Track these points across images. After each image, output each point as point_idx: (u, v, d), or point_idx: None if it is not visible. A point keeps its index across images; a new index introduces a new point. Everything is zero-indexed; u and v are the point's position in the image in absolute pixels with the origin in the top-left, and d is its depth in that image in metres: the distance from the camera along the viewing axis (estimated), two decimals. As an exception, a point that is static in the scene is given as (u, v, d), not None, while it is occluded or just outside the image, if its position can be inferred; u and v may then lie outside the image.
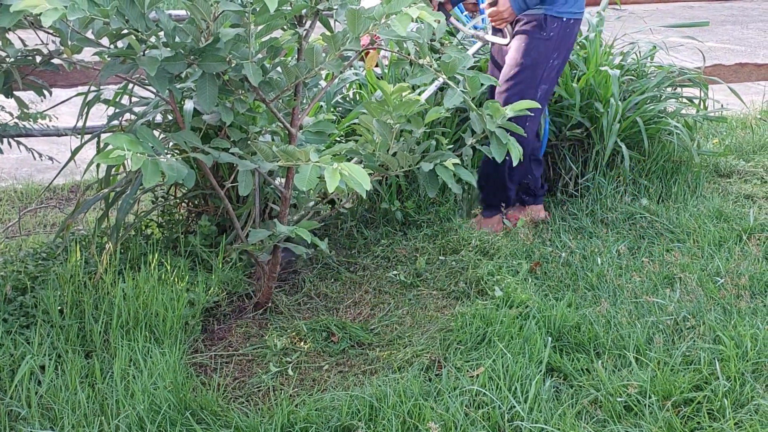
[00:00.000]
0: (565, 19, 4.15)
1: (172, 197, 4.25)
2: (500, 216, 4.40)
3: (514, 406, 2.83)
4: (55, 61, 3.05)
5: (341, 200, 3.77)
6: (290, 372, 3.16)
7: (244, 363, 3.24)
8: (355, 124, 3.73)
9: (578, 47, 5.08)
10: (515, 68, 4.18)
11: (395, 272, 3.96)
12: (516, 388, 2.91)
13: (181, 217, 4.28)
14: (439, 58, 3.21)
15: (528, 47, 4.14)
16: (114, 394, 2.78)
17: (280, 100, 3.49)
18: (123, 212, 3.72)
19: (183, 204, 4.28)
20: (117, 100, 4.01)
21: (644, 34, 5.52)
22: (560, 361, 3.14)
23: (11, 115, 3.84)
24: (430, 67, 3.16)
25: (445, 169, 3.34)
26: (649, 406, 2.87)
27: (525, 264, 3.86)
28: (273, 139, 3.61)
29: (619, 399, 2.90)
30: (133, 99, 4.03)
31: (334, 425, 2.73)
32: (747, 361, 3.10)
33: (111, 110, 3.95)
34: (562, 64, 4.24)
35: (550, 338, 3.22)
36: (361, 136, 3.51)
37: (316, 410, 2.79)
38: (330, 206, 3.93)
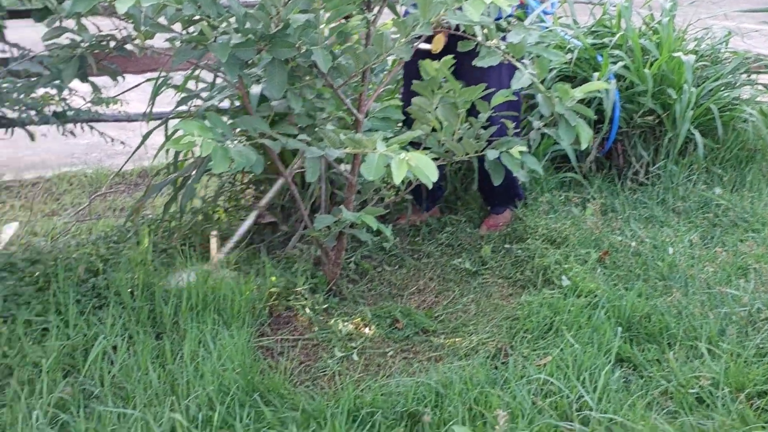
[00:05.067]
0: None
1: (238, 183, 4.29)
2: (510, 212, 4.32)
3: (583, 396, 2.79)
4: (128, 46, 3.08)
5: (405, 187, 3.76)
6: (355, 357, 3.17)
7: (310, 347, 3.25)
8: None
9: (651, 32, 4.99)
10: None
11: (460, 260, 3.94)
12: (584, 378, 2.87)
13: (246, 203, 4.31)
14: (504, 38, 3.18)
15: None
16: (184, 374, 2.82)
17: (347, 86, 3.49)
18: (188, 197, 3.75)
19: (248, 189, 4.32)
20: (185, 85, 4.05)
21: (718, 20, 5.39)
22: (630, 352, 3.09)
23: (84, 99, 3.90)
24: (498, 48, 3.13)
25: (511, 157, 3.30)
26: (721, 397, 2.80)
27: (593, 253, 3.80)
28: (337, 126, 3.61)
29: (690, 390, 2.84)
30: (201, 85, 4.06)
31: (400, 411, 2.72)
32: (824, 354, 3.01)
33: (179, 97, 4.00)
34: None
35: (619, 328, 3.17)
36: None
37: (381, 395, 2.79)
38: (394, 193, 3.92)
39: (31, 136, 3.70)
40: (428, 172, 2.62)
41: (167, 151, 4.07)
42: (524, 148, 3.32)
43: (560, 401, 2.77)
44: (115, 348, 3.00)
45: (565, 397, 2.79)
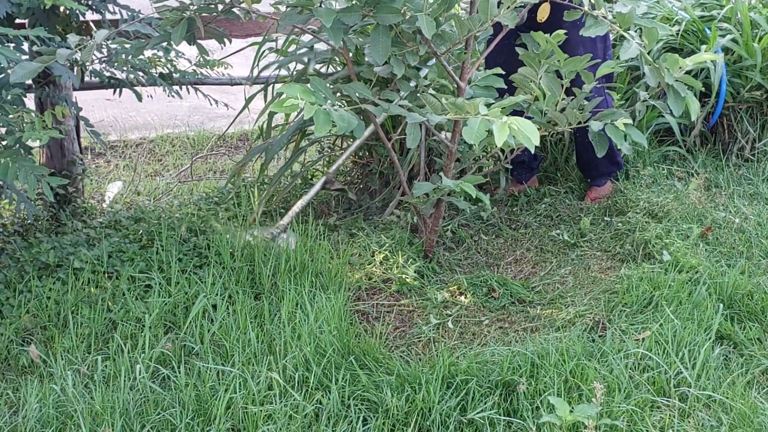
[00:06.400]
0: None
1: (338, 148, 4.32)
2: (611, 183, 4.23)
3: (681, 372, 2.74)
4: (235, 10, 3.12)
5: (504, 156, 3.73)
6: (450, 325, 3.17)
7: (405, 313, 3.27)
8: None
9: (761, 5, 4.81)
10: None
11: (558, 231, 3.90)
12: (683, 354, 2.82)
13: (345, 168, 4.34)
14: (612, 8, 3.11)
15: None
16: (282, 335, 2.87)
17: (450, 54, 3.46)
18: (270, 157, 3.79)
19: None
20: (287, 49, 4.08)
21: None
22: (731, 329, 3.02)
23: (189, 62, 3.97)
24: (605, 18, 3.06)
25: (616, 129, 3.24)
26: (827, 381, 2.73)
27: (696, 228, 3.72)
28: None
29: (794, 372, 2.78)
30: (302, 50, 4.09)
31: (495, 379, 2.72)
32: None
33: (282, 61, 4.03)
34: None
35: (721, 305, 3.10)
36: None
37: (476, 363, 2.79)
38: (493, 162, 3.90)
39: (139, 97, 3.79)
40: (530, 136, 2.60)
41: (269, 115, 4.12)
42: (629, 121, 3.26)
43: (658, 376, 2.73)
44: (215, 306, 3.07)
45: (663, 373, 2.74)
